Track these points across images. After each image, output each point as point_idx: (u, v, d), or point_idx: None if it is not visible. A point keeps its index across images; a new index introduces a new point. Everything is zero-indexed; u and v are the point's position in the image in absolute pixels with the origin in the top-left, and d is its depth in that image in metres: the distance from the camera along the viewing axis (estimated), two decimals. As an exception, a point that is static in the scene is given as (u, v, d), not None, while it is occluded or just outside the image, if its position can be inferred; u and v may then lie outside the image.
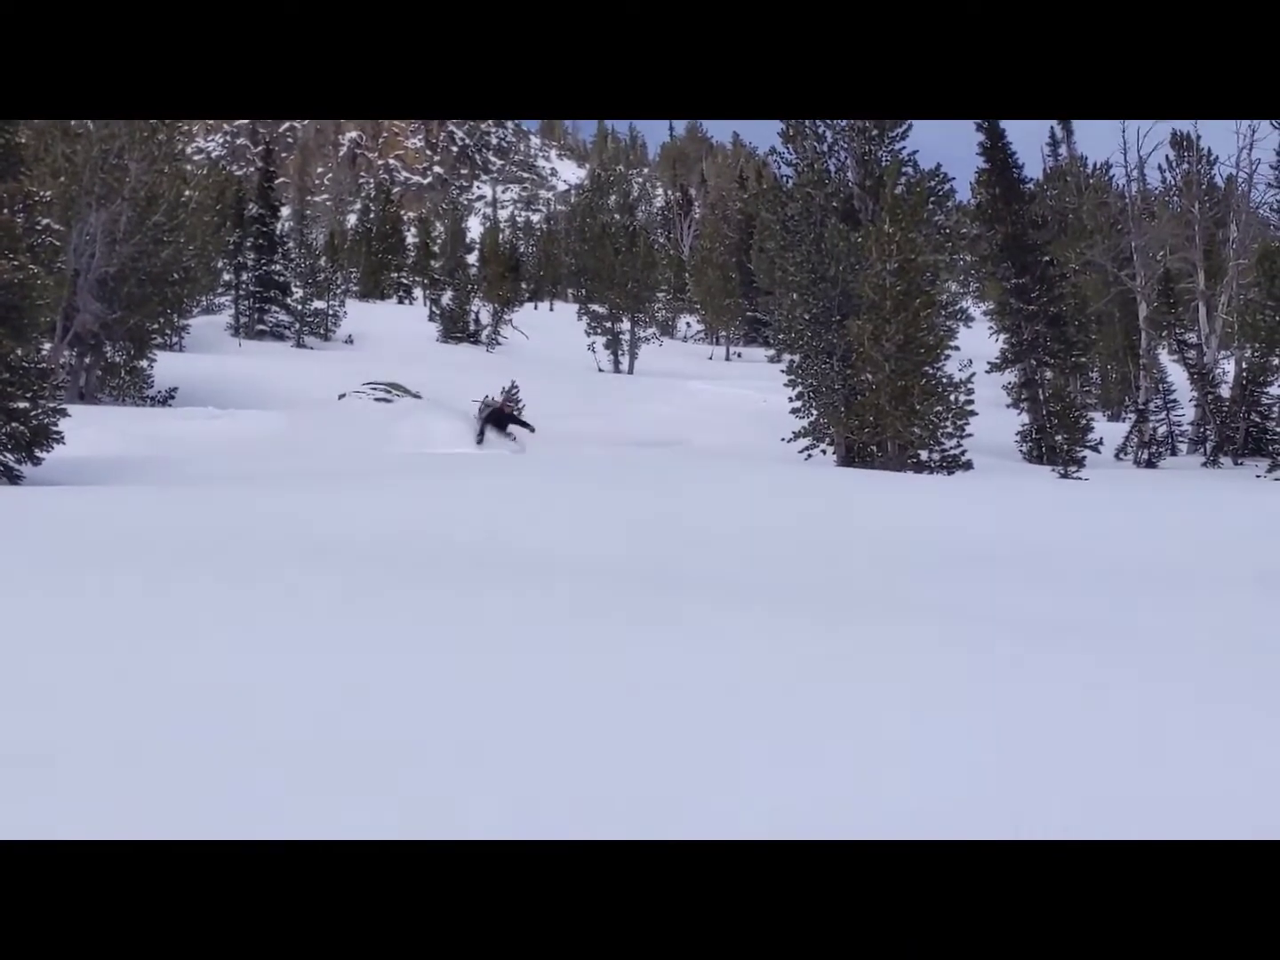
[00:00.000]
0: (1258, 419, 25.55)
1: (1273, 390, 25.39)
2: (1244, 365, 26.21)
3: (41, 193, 17.29)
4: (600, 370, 38.92)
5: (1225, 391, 26.54)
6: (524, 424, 19.22)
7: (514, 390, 21.34)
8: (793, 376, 22.42)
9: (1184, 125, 34.87)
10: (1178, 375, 27.78)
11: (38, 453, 13.32)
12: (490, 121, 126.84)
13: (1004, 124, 27.34)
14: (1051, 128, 45.33)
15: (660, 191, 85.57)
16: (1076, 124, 52.91)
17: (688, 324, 53.83)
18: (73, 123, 24.45)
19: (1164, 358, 28.45)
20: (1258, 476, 22.06)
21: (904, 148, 22.98)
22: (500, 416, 19.09)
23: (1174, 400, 27.09)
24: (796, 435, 21.53)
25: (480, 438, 18.39)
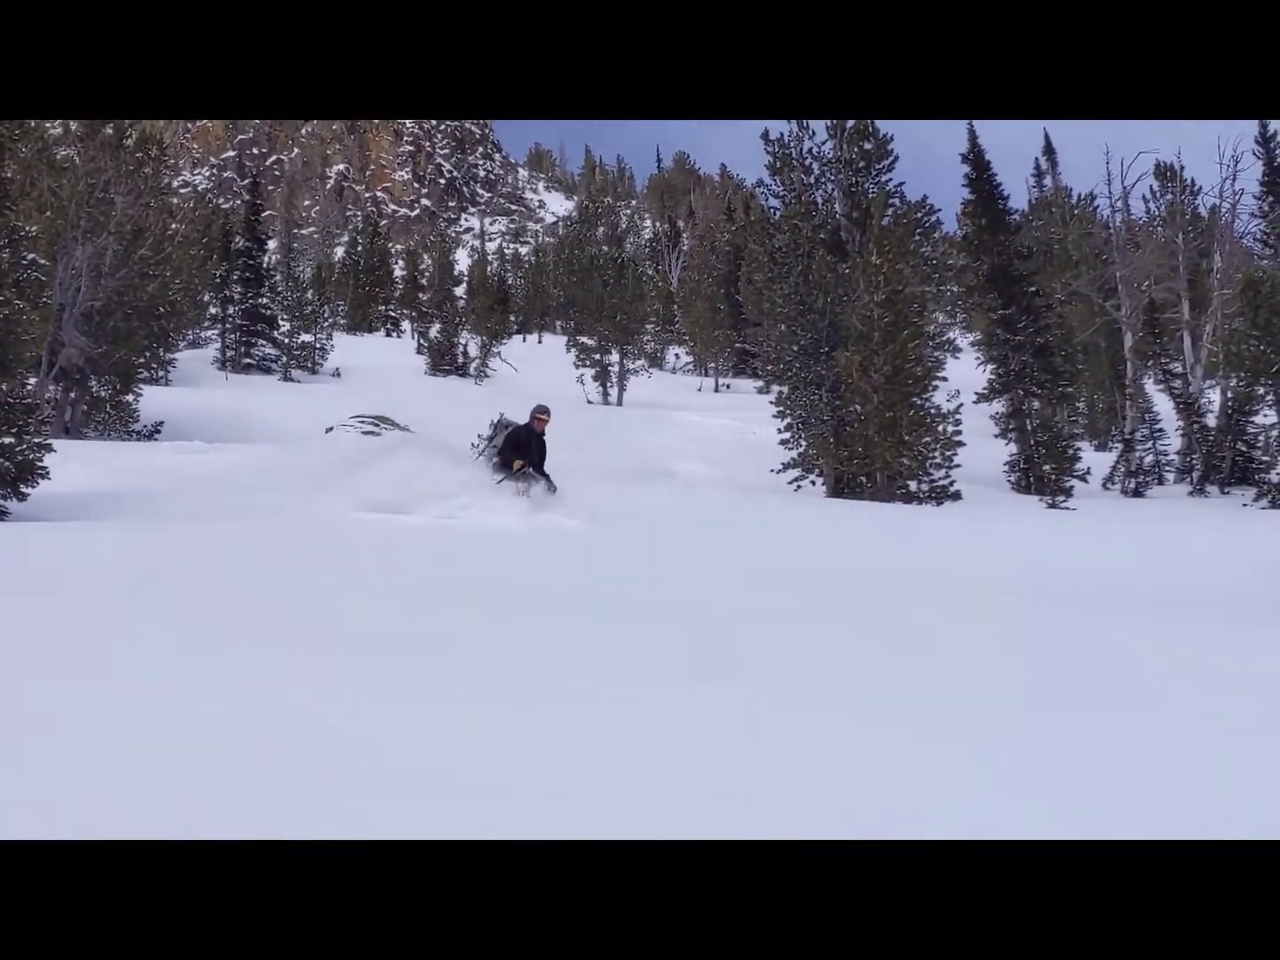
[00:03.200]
0: (1244, 448, 25.83)
1: (1258, 419, 25.64)
2: (1229, 394, 26.52)
3: (27, 227, 17.41)
4: (589, 402, 39.35)
5: (1211, 421, 26.80)
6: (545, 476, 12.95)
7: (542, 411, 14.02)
8: (781, 408, 22.70)
9: (1167, 156, 35.34)
10: (1164, 405, 28.28)
11: (23, 488, 13.42)
12: (478, 152, 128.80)
13: (989, 155, 27.88)
14: (1037, 158, 45.93)
15: (648, 223, 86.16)
16: (1061, 154, 53.43)
17: (676, 355, 54.40)
18: (59, 156, 24.78)
19: (1150, 387, 29.26)
20: (1244, 505, 22.29)
21: (890, 179, 23.38)
22: (525, 440, 12.49)
23: (1160, 430, 27.55)
24: (786, 466, 21.76)
25: (495, 463, 12.31)
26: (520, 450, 11.95)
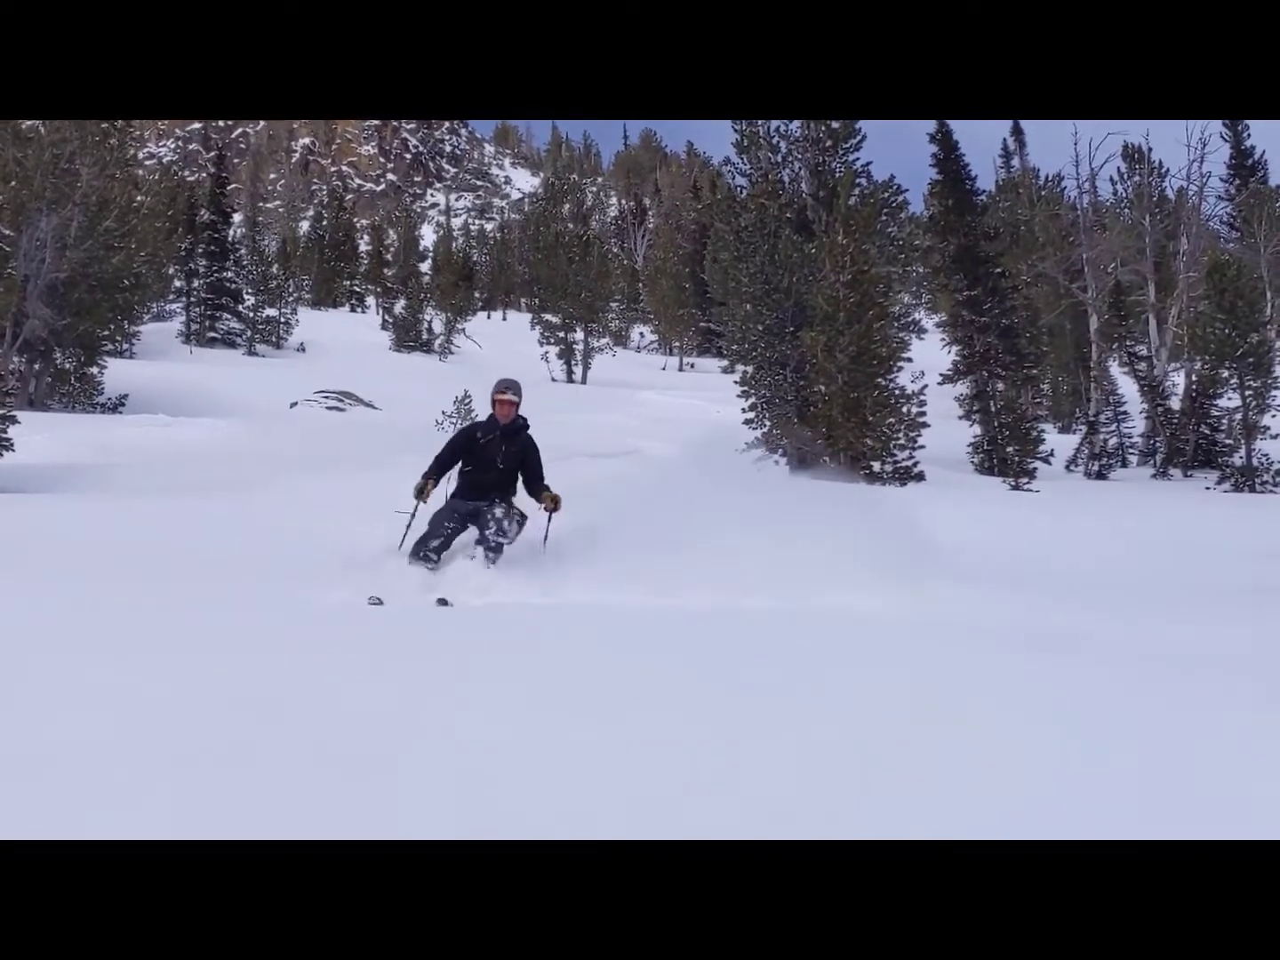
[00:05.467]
0: (1207, 431, 26.00)
1: (1222, 403, 25.80)
2: (1194, 378, 26.72)
3: None
4: (554, 380, 39.71)
5: (1175, 404, 27.06)
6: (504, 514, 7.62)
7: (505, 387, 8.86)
8: (745, 388, 22.62)
9: (1135, 138, 35.53)
10: (1128, 387, 28.47)
11: None
12: (444, 128, 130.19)
13: (956, 135, 27.92)
14: (1005, 139, 46.21)
15: (614, 201, 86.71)
16: (1028, 135, 53.62)
17: (641, 334, 55.02)
18: (24, 125, 24.46)
19: (1115, 370, 29.34)
20: (1206, 489, 22.58)
21: (858, 159, 23.43)
22: (466, 443, 7.48)
23: (1124, 412, 27.75)
24: (750, 445, 21.61)
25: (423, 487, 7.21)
26: (462, 454, 7.12)
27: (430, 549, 6.53)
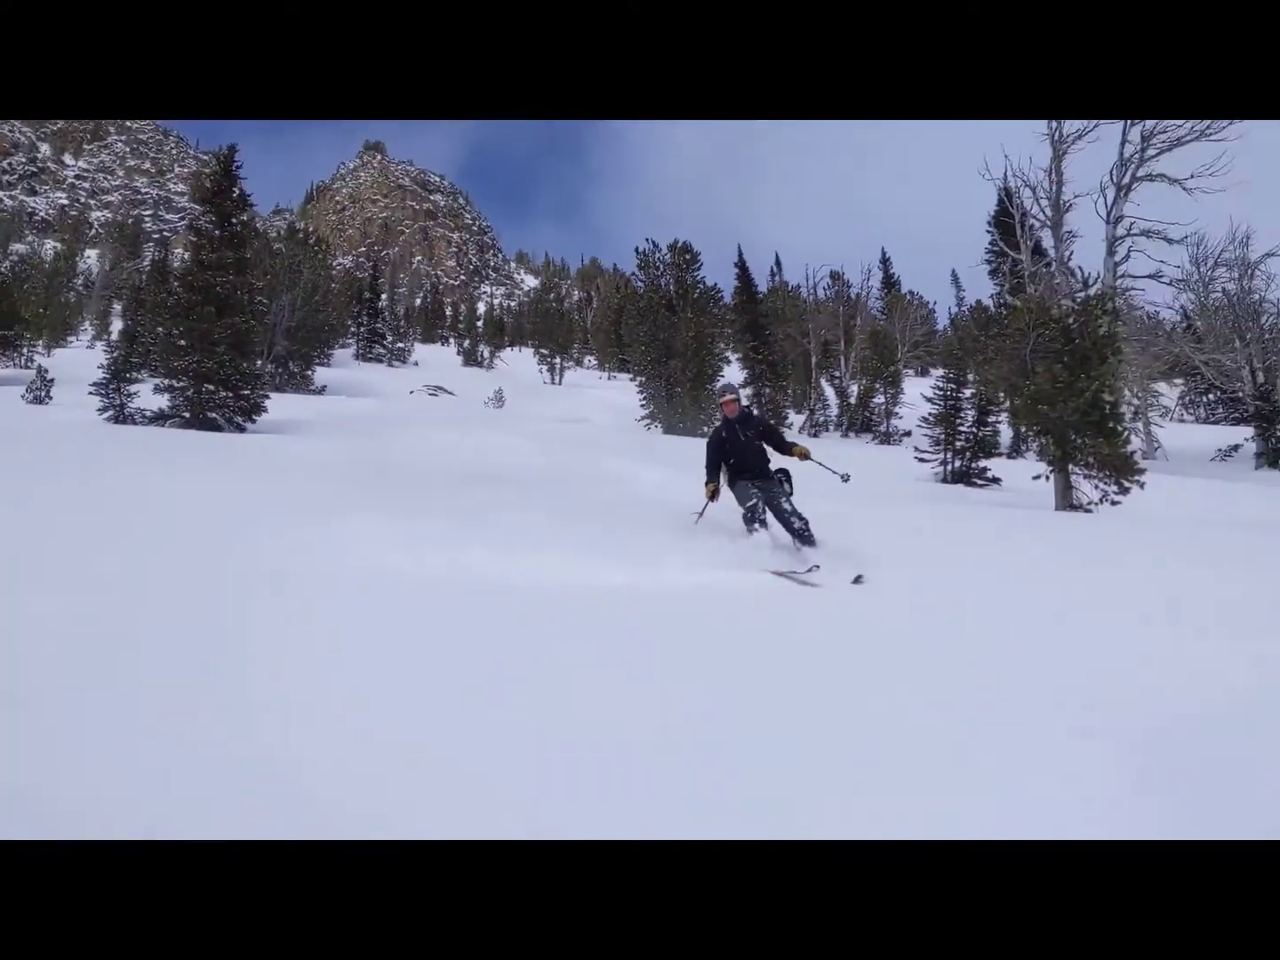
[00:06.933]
0: (868, 415, 29.44)
1: (875, 400, 29.10)
2: (861, 387, 30.28)
3: (257, 282, 19.63)
4: (545, 383, 41.74)
5: (853, 400, 29.88)
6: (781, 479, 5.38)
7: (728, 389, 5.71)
8: (641, 390, 25.15)
9: (838, 266, 38.14)
10: (830, 392, 31.76)
11: (254, 417, 14.89)
12: (490, 252, 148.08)
13: (746, 255, 29.03)
14: (771, 266, 47.67)
15: (577, 292, 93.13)
16: (785, 258, 51.73)
17: (590, 360, 57.94)
18: (275, 245, 26.23)
19: (825, 384, 31.94)
20: (867, 444, 25.42)
21: (699, 273, 25.42)
22: (724, 439, 5.46)
23: (827, 403, 30.89)
24: (642, 419, 24.30)
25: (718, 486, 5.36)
26: (720, 452, 5.42)
27: (759, 516, 4.94)
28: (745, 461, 5.29)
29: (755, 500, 5.04)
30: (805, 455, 5.19)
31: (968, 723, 2.19)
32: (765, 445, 5.34)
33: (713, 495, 5.26)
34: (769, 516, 5.01)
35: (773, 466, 5.30)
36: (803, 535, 4.84)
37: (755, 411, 5.76)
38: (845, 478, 5.22)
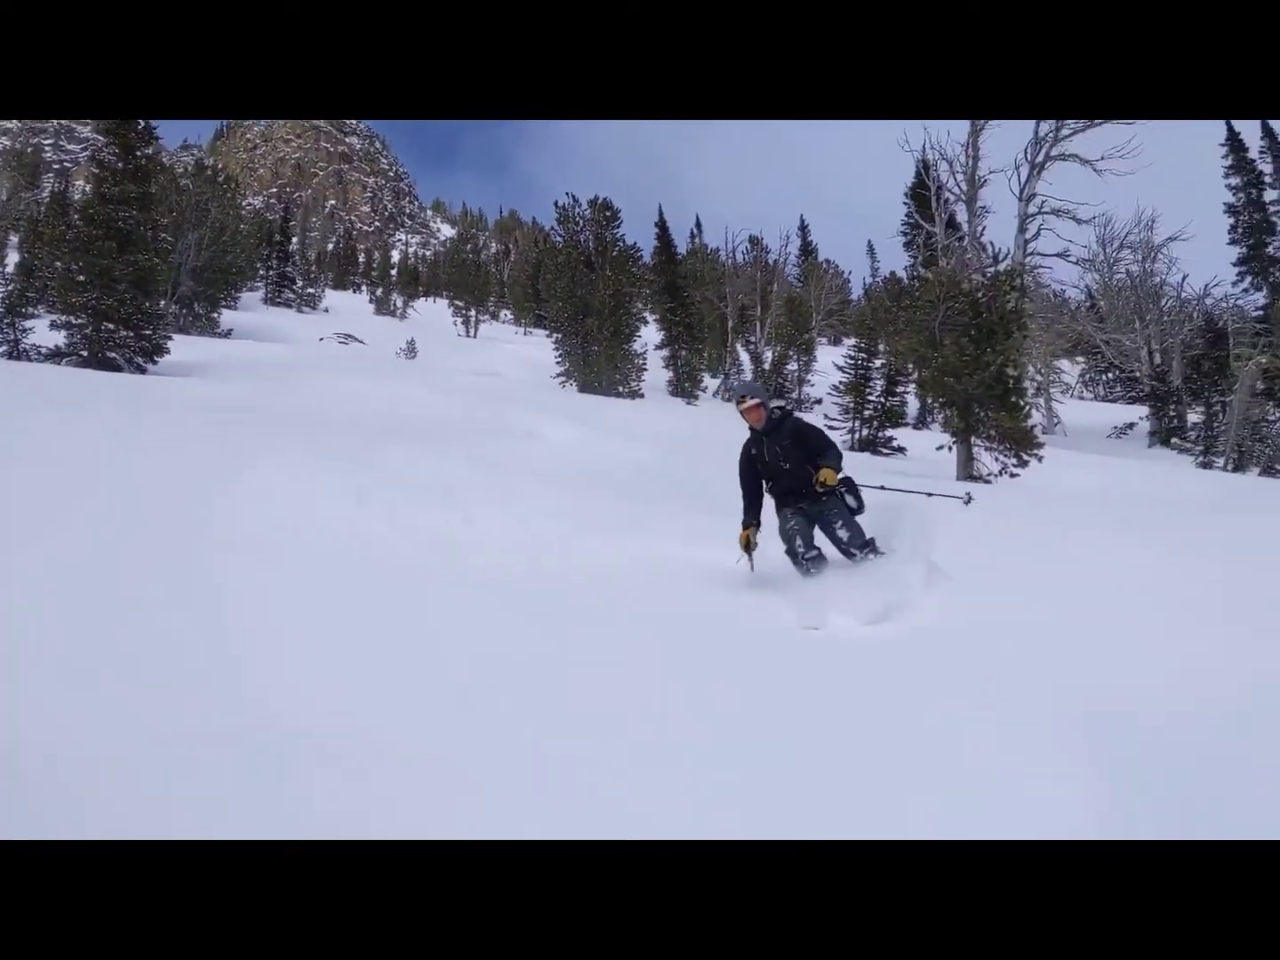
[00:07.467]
0: (782, 381, 29.70)
1: (789, 367, 29.69)
2: (776, 354, 30.36)
3: (163, 220, 19.07)
4: (459, 335, 41.05)
5: (768, 365, 30.23)
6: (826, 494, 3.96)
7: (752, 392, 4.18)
8: (557, 346, 25.04)
9: (758, 231, 37.82)
10: (745, 357, 31.75)
11: (156, 358, 14.66)
12: (406, 199, 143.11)
13: (667, 216, 28.99)
14: (691, 229, 48.56)
15: (495, 245, 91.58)
16: (703, 220, 54.18)
17: (505, 314, 57.06)
18: (182, 181, 25.35)
19: (740, 348, 32.01)
20: None
21: (618, 230, 25.40)
22: (755, 456, 4.13)
23: (743, 368, 30.83)
24: (557, 376, 24.23)
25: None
26: (753, 475, 4.17)
27: (806, 557, 3.87)
28: (784, 483, 4.03)
29: (793, 534, 3.87)
30: (826, 484, 3.75)
31: (961, 721, 2.28)
32: (806, 462, 3.93)
33: (746, 544, 3.92)
34: (822, 538, 3.88)
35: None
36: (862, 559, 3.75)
37: (788, 411, 4.00)
38: (968, 499, 4.55)
